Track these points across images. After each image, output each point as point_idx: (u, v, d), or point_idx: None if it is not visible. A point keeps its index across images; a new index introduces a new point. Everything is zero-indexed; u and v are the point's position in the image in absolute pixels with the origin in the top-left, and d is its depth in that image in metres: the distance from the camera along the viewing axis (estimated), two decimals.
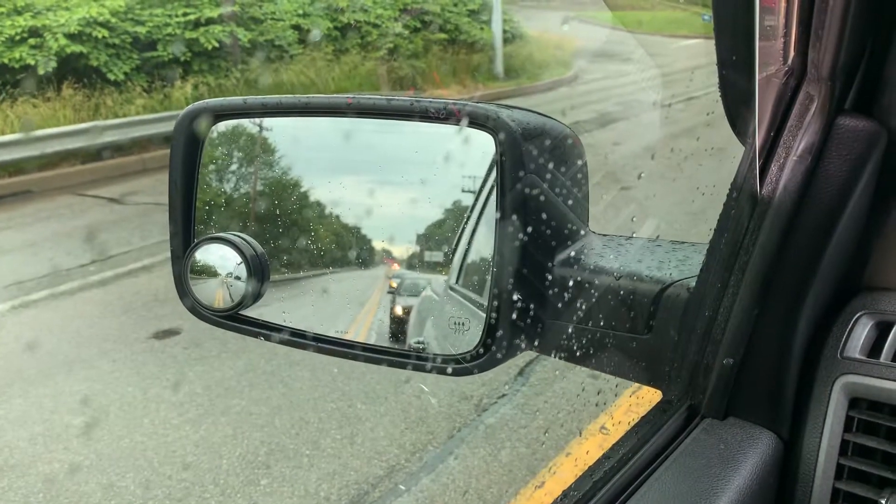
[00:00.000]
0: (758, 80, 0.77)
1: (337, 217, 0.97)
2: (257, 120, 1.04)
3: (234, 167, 1.07)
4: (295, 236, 0.99)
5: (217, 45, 13.75)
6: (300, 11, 15.62)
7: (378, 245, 0.95)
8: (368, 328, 0.99)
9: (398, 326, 0.97)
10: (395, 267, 0.94)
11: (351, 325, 0.99)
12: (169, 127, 1.11)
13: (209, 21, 13.85)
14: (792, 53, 0.81)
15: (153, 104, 12.84)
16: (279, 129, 1.05)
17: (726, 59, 0.79)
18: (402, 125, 0.97)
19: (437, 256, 0.92)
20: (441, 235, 0.93)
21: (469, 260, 0.92)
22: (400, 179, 0.96)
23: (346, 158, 1.00)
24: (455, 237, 0.92)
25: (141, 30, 13.21)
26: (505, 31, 18.51)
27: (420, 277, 0.94)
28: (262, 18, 14.89)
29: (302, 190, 1.01)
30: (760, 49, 0.79)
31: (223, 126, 1.03)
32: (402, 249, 0.94)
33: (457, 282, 0.93)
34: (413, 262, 0.94)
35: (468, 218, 0.92)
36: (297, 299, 1.02)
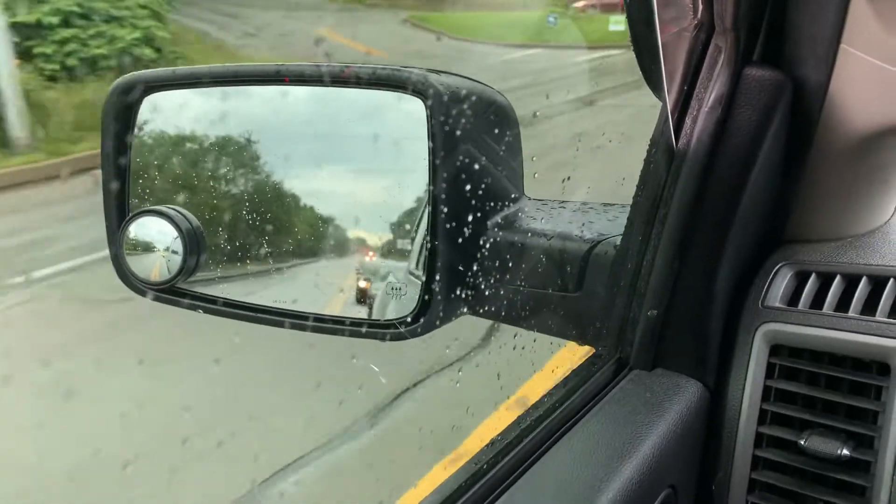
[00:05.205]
0: (670, 35, 0.80)
1: (303, 203, 0.97)
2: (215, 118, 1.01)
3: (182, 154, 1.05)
4: (241, 220, 0.98)
5: None
6: None
7: (352, 234, 0.95)
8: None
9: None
10: (371, 256, 0.94)
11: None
12: None
13: None
14: (701, 7, 0.83)
15: None
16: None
17: (637, 16, 0.81)
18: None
19: (407, 244, 0.93)
20: (406, 219, 0.93)
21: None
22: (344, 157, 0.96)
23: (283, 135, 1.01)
24: (415, 222, 0.92)
25: None
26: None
27: (390, 265, 0.95)
28: None
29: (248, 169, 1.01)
30: (673, 3, 0.82)
31: (155, 97, 1.01)
32: (377, 237, 0.94)
33: (416, 266, 0.92)
34: (386, 251, 0.94)
35: (427, 202, 0.91)
36: (259, 294, 1.01)
